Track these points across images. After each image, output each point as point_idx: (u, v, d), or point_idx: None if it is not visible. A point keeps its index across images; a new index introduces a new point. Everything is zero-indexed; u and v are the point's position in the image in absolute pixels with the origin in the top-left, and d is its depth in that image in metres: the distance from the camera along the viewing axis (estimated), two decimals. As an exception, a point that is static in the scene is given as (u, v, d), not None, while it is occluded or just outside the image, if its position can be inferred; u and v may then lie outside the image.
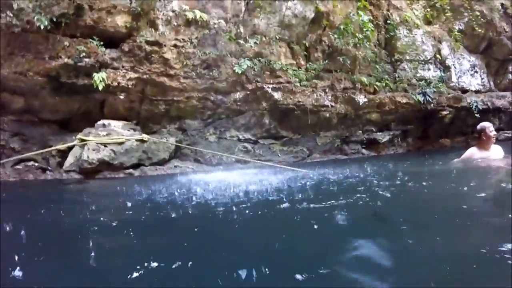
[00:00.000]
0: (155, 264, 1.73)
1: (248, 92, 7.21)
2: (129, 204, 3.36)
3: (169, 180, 5.45)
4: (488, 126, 4.65)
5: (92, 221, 2.84)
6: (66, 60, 5.97)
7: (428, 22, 10.54)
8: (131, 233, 2.39)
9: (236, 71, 7.00)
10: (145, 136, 6.50)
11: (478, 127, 4.79)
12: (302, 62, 7.99)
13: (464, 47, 10.79)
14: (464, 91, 10.35)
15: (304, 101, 7.46)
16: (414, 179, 4.11)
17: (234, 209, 2.91)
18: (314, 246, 2.04)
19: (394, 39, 9.38)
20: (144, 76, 6.57)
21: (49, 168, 6.31)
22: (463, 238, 2.05)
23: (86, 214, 3.07)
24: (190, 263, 1.75)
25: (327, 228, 2.34)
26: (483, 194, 3.09)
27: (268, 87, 7.23)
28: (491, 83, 11.43)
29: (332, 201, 2.97)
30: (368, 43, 8.36)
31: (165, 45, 6.67)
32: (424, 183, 3.81)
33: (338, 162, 7.72)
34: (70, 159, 6.02)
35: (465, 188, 3.30)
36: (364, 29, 8.11)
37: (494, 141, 4.67)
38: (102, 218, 2.92)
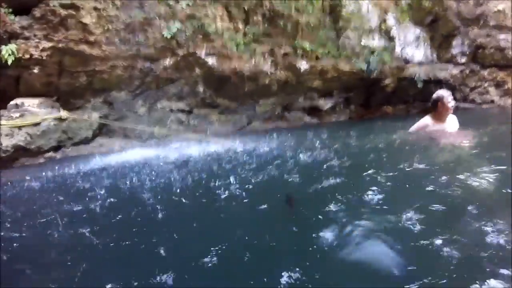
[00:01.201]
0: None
1: (179, 59, 6.58)
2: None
3: (81, 163, 4.81)
4: (446, 95, 4.05)
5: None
6: None
7: (375, -8, 10.13)
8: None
9: (165, 35, 6.31)
10: (63, 114, 5.84)
11: (435, 95, 4.18)
12: (240, 26, 7.37)
13: (409, 20, 10.55)
14: (407, 61, 10.22)
15: (241, 67, 6.92)
16: (352, 151, 3.75)
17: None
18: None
19: (339, 6, 8.91)
20: (60, 45, 5.83)
21: None
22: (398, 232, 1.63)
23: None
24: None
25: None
26: (431, 176, 2.44)
27: (201, 53, 6.62)
28: (434, 55, 11.38)
29: (235, 184, 2.53)
30: (312, 8, 7.83)
31: (83, 8, 5.87)
32: (362, 157, 3.41)
33: (278, 130, 7.37)
34: None
35: (408, 165, 2.71)
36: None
37: (451, 112, 4.10)
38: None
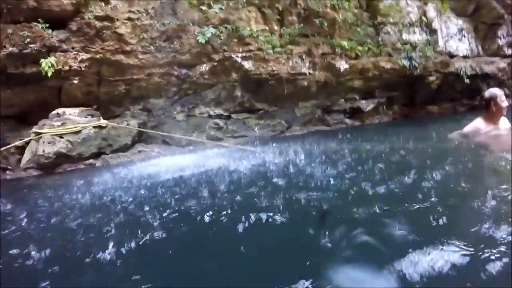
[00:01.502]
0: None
1: (215, 63, 6.29)
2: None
3: (122, 169, 4.65)
4: (499, 94, 3.59)
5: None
6: (10, 49, 5.22)
7: (413, -16, 9.45)
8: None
9: (200, 40, 6.06)
10: (102, 122, 5.72)
11: (487, 94, 3.68)
12: (276, 28, 6.99)
13: (451, 10, 9.77)
14: (452, 56, 9.44)
15: (278, 70, 6.53)
16: (399, 159, 3.26)
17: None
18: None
19: (376, 0, 8.33)
20: (98, 56, 5.80)
21: (8, 167, 5.59)
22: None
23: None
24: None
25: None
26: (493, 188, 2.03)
27: (237, 56, 6.29)
28: (479, 48, 10.48)
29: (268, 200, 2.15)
30: (347, 3, 7.33)
31: (117, 19, 5.84)
32: (413, 166, 2.91)
33: (319, 134, 6.87)
34: (26, 155, 5.39)
35: (464, 175, 2.31)
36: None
37: (505, 113, 3.61)
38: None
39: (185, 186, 2.97)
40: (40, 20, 5.37)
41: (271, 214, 1.91)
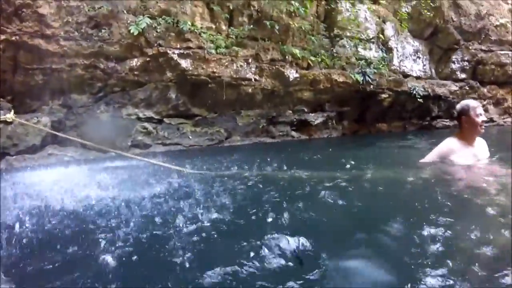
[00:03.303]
0: None
1: (148, 59, 5.41)
2: None
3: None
4: (473, 106, 2.80)
5: None
6: None
7: (374, 1, 9.07)
8: None
9: (132, 31, 5.14)
10: (8, 116, 4.57)
11: (459, 106, 2.88)
12: (223, 27, 6.22)
13: (408, 31, 9.52)
14: (405, 75, 9.18)
15: (220, 72, 5.74)
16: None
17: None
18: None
19: (335, 11, 7.83)
20: (14, 38, 4.87)
21: None
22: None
23: None
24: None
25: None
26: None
27: (174, 53, 5.43)
28: (433, 70, 10.36)
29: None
30: (304, 11, 6.69)
31: None
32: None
33: (261, 146, 6.18)
34: None
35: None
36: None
37: (482, 130, 2.82)
38: None
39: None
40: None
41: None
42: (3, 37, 4.80)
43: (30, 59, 5.03)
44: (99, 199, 2.36)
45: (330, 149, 5.58)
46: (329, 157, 4.57)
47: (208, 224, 1.74)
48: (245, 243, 1.44)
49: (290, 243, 1.39)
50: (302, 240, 1.41)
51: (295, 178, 2.87)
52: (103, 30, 5.25)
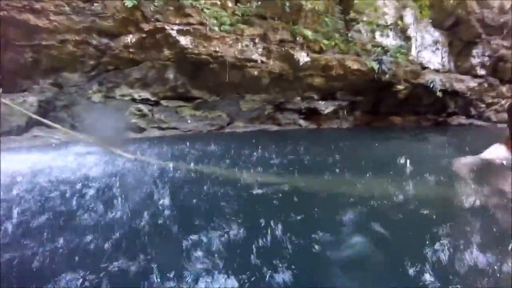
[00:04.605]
0: None
1: (144, 35, 4.86)
2: None
3: None
4: None
5: None
6: None
7: (393, -16, 8.25)
8: None
9: (126, 3, 4.56)
10: None
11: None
12: (230, 4, 5.57)
13: (429, 20, 8.69)
14: (423, 67, 8.37)
15: (223, 51, 5.12)
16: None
17: None
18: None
19: (351, -6, 7.06)
20: (1, 13, 4.54)
21: None
22: None
23: None
24: None
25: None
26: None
27: (172, 29, 4.84)
28: (452, 64, 9.49)
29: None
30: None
31: None
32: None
33: (265, 134, 5.56)
34: None
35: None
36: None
37: None
38: None
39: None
40: None
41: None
42: (-12, 12, 4.43)
43: (19, 35, 4.69)
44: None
45: (341, 143, 4.88)
46: (341, 154, 3.87)
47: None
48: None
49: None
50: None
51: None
52: (95, 4, 4.77)
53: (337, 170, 2.68)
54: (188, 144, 3.97)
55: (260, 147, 3.71)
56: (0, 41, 4.62)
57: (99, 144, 3.85)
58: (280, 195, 1.97)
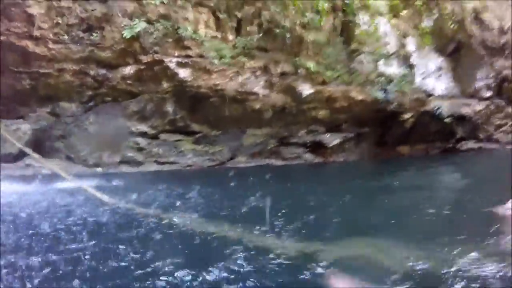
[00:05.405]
0: None
1: (142, 67, 4.70)
2: None
3: None
4: None
5: None
6: None
7: (394, 14, 8.22)
8: None
9: (125, 35, 4.39)
10: None
11: None
12: (230, 37, 5.43)
13: (431, 47, 8.59)
14: (429, 94, 8.14)
15: (223, 85, 4.89)
16: None
17: None
18: None
19: (352, 24, 6.96)
20: (1, 38, 4.44)
21: None
22: None
23: None
24: None
25: None
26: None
27: (171, 61, 4.65)
28: (457, 89, 9.27)
29: None
30: (318, 22, 5.86)
31: None
32: None
33: (268, 170, 5.20)
34: None
35: None
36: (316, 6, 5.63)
37: None
38: None
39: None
40: None
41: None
42: (-12, 36, 4.38)
43: (18, 61, 4.62)
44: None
45: (349, 181, 4.45)
46: (353, 196, 3.45)
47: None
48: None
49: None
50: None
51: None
52: (94, 34, 4.65)
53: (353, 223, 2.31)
54: (178, 183, 3.63)
55: (257, 190, 3.37)
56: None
57: (76, 182, 3.62)
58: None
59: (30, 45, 4.57)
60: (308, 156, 6.00)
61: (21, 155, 4.46)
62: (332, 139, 6.17)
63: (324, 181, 4.19)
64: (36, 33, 4.55)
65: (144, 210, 2.61)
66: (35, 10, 4.53)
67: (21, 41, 4.53)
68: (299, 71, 5.64)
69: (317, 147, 6.11)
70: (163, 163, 4.82)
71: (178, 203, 2.88)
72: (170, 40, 4.73)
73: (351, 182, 4.31)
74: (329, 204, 2.87)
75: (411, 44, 8.13)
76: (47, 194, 3.24)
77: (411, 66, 7.97)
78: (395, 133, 7.52)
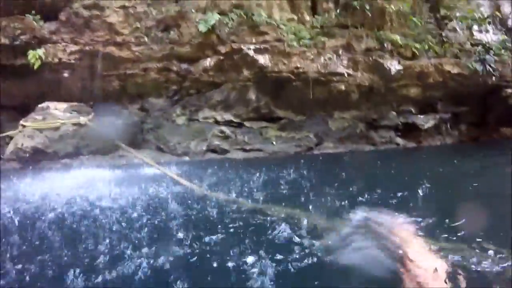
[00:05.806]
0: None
1: (221, 57, 4.63)
2: None
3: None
4: None
5: None
6: (3, 40, 4.68)
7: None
8: None
9: (200, 29, 4.33)
10: (82, 119, 4.63)
11: None
12: (307, 17, 5.07)
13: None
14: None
15: (305, 67, 4.52)
16: None
17: None
18: None
19: (438, -11, 6.07)
20: (87, 48, 4.88)
21: (1, 156, 4.90)
22: None
23: None
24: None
25: None
26: None
27: (249, 48, 4.46)
28: None
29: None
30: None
31: (108, 8, 4.86)
32: None
33: (359, 156, 4.68)
34: (10, 147, 4.80)
35: None
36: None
37: None
38: None
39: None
40: (33, 12, 4.71)
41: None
42: (77, 47, 4.76)
43: (105, 66, 4.92)
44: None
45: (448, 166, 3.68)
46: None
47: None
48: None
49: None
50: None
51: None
52: (172, 32, 4.74)
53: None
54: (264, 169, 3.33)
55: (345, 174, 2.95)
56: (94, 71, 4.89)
57: (159, 168, 3.64)
58: None
59: (115, 50, 4.84)
60: (400, 140, 5.29)
61: (115, 146, 4.70)
62: (426, 121, 5.38)
63: (428, 167, 3.53)
64: (119, 39, 4.81)
65: (232, 198, 2.41)
66: (114, 18, 4.82)
67: (106, 48, 4.83)
68: (384, 45, 5.02)
69: (409, 130, 5.38)
70: (249, 151, 4.66)
71: (273, 191, 2.62)
72: (246, 27, 4.59)
73: (457, 166, 3.60)
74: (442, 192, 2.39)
75: (506, 5, 6.89)
76: (136, 180, 3.26)
77: (509, 30, 6.74)
78: (497, 111, 6.36)
